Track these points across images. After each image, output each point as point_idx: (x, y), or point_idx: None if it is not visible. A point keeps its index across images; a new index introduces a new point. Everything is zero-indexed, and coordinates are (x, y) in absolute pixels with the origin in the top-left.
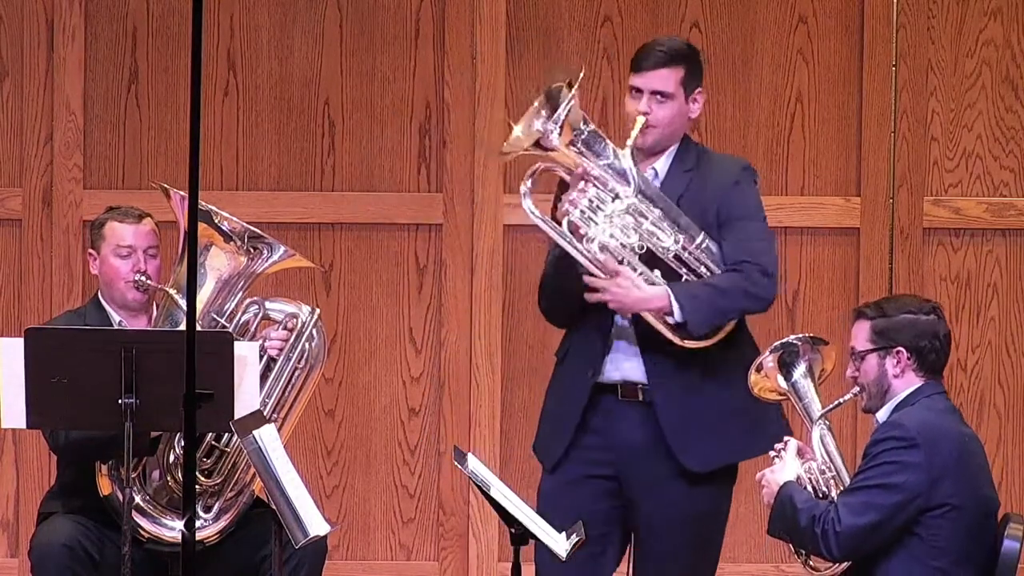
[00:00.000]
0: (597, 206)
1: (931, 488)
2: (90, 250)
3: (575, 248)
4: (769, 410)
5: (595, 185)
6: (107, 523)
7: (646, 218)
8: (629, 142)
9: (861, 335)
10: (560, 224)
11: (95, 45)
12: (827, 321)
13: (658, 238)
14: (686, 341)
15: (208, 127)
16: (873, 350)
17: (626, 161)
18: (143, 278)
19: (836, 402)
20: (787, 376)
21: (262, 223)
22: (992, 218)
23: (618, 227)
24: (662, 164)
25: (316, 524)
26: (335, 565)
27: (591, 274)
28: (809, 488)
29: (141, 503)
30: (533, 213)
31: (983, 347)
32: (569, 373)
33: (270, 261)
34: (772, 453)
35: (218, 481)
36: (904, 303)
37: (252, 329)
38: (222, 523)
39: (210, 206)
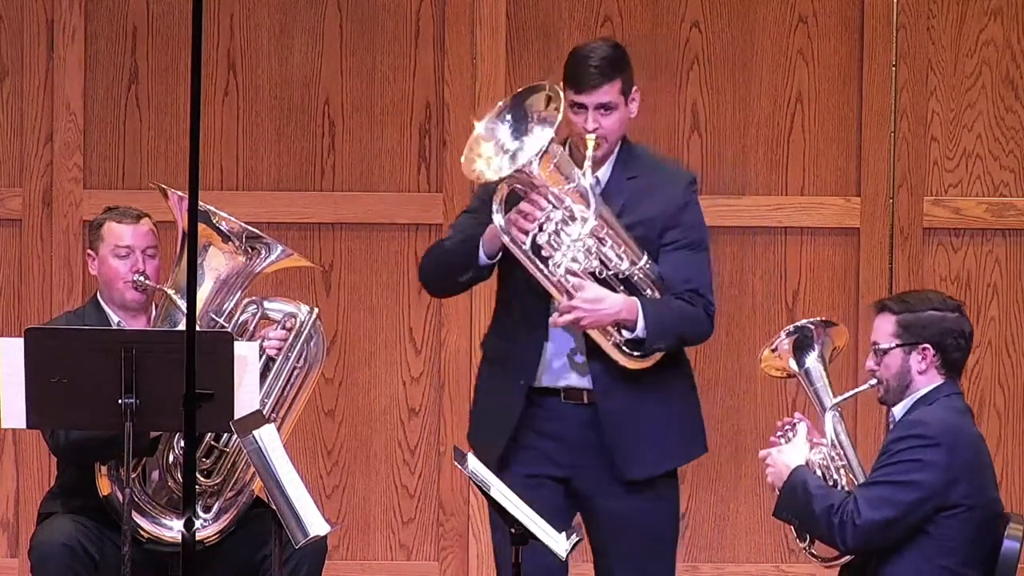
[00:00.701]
0: (560, 229)
1: (948, 488)
2: (89, 250)
3: (539, 269)
4: (699, 421)
5: (559, 207)
6: (107, 523)
7: (605, 242)
8: (587, 163)
9: (885, 329)
10: (523, 240)
11: (95, 45)
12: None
13: (615, 262)
14: (628, 361)
15: (208, 127)
16: (898, 345)
17: (587, 181)
18: (142, 278)
19: (851, 392)
20: (800, 360)
21: (262, 223)
22: (992, 218)
23: (581, 251)
24: (604, 172)
25: (316, 524)
26: (335, 565)
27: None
28: (818, 472)
29: (141, 503)
30: (505, 232)
31: (983, 347)
32: (499, 377)
33: (268, 261)
34: (778, 433)
35: (217, 481)
36: (929, 299)
37: (251, 329)
38: (222, 523)
39: (208, 206)
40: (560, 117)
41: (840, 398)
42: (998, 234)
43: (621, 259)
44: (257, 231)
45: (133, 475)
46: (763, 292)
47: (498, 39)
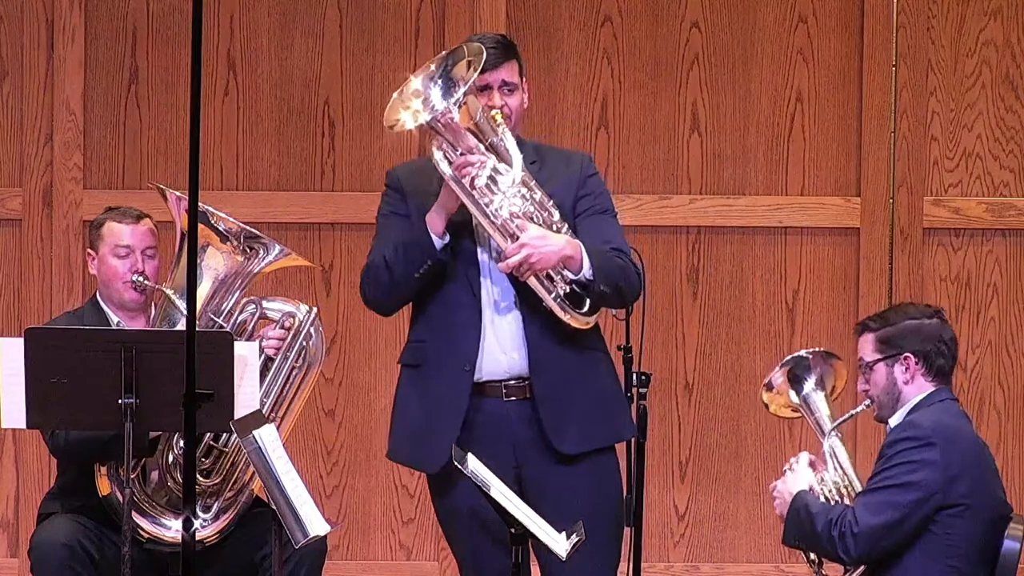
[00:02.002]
0: (495, 177)
1: (948, 486)
2: (88, 250)
3: (484, 213)
4: (624, 403)
5: (490, 159)
6: (107, 523)
7: (535, 194)
8: (502, 128)
9: (867, 346)
10: (469, 180)
11: (95, 45)
12: (827, 321)
13: (548, 212)
14: (572, 318)
15: (208, 127)
16: (881, 359)
17: (510, 142)
18: (141, 278)
19: (848, 414)
20: (798, 391)
21: (262, 223)
22: (992, 218)
23: (517, 196)
24: None
25: (316, 524)
26: (335, 565)
27: (461, 256)
28: (822, 499)
29: (140, 503)
30: (451, 177)
31: (983, 347)
32: (435, 374)
33: (267, 260)
34: (785, 467)
35: (217, 481)
36: (906, 310)
37: (250, 329)
38: (221, 523)
39: (206, 206)
40: (477, 73)
41: (836, 422)
42: (998, 234)
43: (552, 213)
44: (255, 231)
45: (133, 475)
46: (763, 292)
47: None
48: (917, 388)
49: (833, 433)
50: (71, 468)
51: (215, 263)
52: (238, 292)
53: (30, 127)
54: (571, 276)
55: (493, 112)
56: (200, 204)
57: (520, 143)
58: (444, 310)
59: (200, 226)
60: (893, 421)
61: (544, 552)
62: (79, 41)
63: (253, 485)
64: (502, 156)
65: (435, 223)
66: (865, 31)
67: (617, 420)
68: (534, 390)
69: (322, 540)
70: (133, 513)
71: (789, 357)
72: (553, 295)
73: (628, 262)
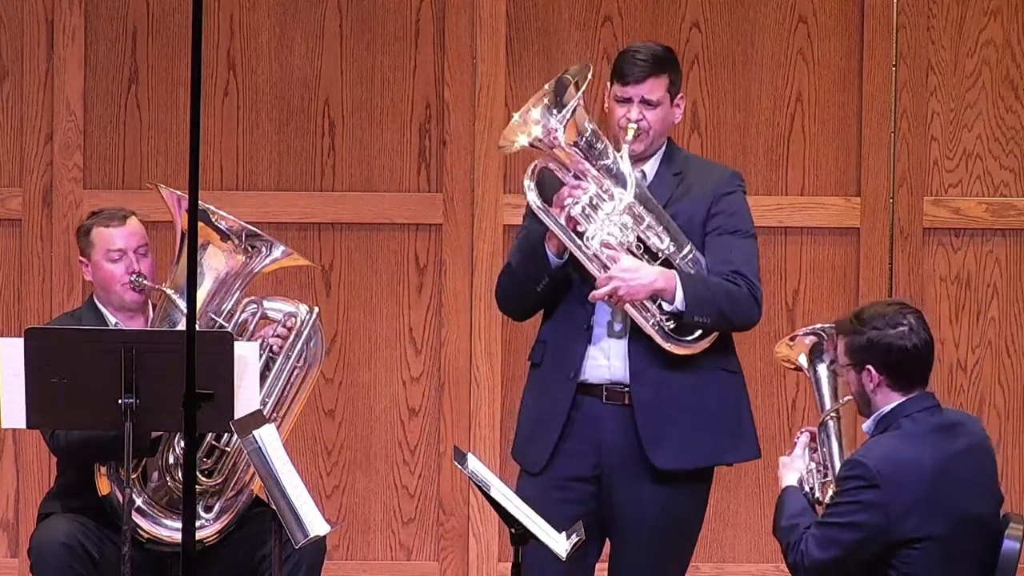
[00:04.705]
0: (597, 204)
1: (894, 525)
2: (80, 258)
3: (574, 243)
4: (746, 424)
5: (594, 183)
6: (107, 523)
7: (643, 220)
8: (625, 147)
9: (840, 350)
10: (558, 212)
11: (95, 45)
12: (827, 321)
13: (654, 240)
14: (672, 345)
15: (208, 127)
16: (850, 365)
17: (624, 164)
18: (140, 278)
19: (838, 403)
20: (813, 365)
21: (262, 223)
22: (992, 218)
23: (616, 225)
24: (650, 167)
25: (316, 524)
26: (335, 565)
27: (580, 272)
28: (807, 488)
29: (140, 503)
30: (539, 207)
31: (983, 347)
32: (549, 375)
33: (268, 260)
34: (795, 437)
35: (219, 481)
36: (873, 316)
37: (251, 328)
38: (222, 523)
39: (207, 205)
40: (582, 89)
41: (828, 410)
42: (998, 234)
43: (661, 239)
44: (256, 230)
45: (133, 475)
46: (763, 292)
47: (498, 39)
48: (884, 398)
49: (828, 417)
50: (71, 468)
51: (216, 262)
52: (238, 292)
53: (30, 127)
54: (667, 307)
55: (628, 126)
56: (201, 203)
57: (672, 154)
58: (563, 316)
59: (200, 225)
60: (866, 425)
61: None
62: (79, 41)
63: (253, 485)
64: (616, 178)
65: (551, 241)
66: (865, 31)
67: (723, 442)
68: (633, 397)
69: (322, 540)
70: (132, 513)
71: (818, 327)
72: (651, 323)
73: (746, 286)
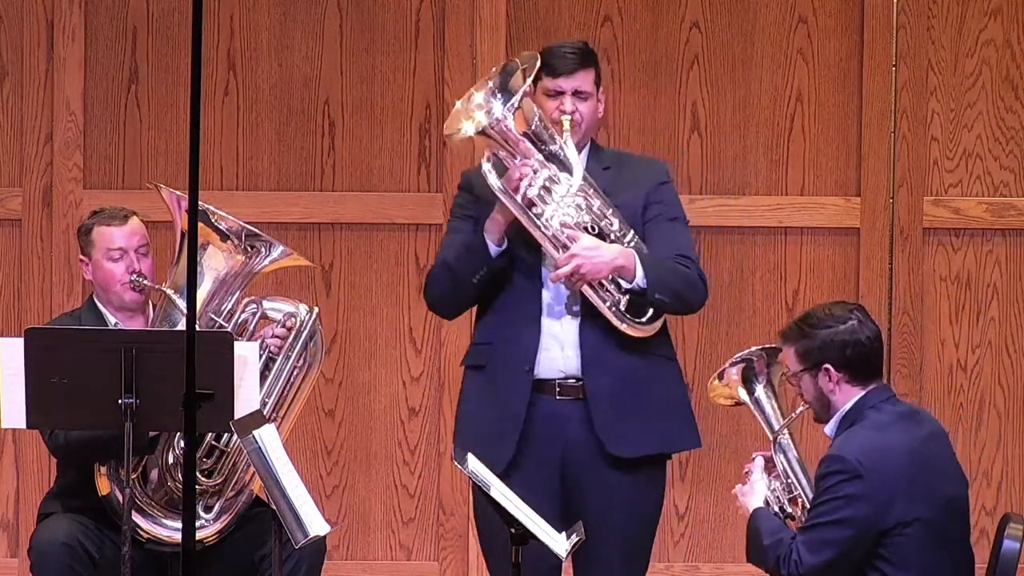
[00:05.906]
0: (549, 187)
1: (882, 514)
2: (81, 257)
3: (535, 224)
4: (691, 412)
5: (544, 168)
6: (107, 523)
7: (593, 203)
8: (567, 135)
9: (789, 359)
10: (518, 192)
11: (95, 45)
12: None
13: (604, 223)
14: (626, 324)
15: (208, 127)
16: (803, 370)
17: (570, 151)
18: (140, 278)
19: (789, 417)
20: (750, 390)
21: (262, 223)
22: (992, 218)
23: (571, 207)
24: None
25: (316, 524)
26: (335, 565)
27: (522, 262)
28: (775, 508)
29: (140, 503)
30: (500, 188)
31: (983, 347)
32: (499, 374)
33: (268, 260)
34: (744, 470)
35: (219, 481)
36: (820, 317)
37: (250, 328)
38: (222, 523)
39: (207, 205)
40: (531, 78)
41: (780, 426)
42: (998, 234)
43: (611, 221)
44: (256, 230)
45: (133, 475)
46: (763, 292)
47: (498, 39)
48: (844, 396)
49: (780, 434)
50: (71, 468)
51: (215, 262)
52: (238, 292)
53: (30, 127)
54: (625, 285)
55: (563, 118)
56: (201, 203)
57: (597, 149)
58: (506, 314)
59: (200, 225)
60: (828, 428)
61: (581, 561)
62: (79, 41)
63: (253, 485)
64: (562, 164)
65: (492, 230)
66: (865, 31)
67: (676, 429)
68: (587, 391)
69: (322, 540)
70: (132, 513)
71: (740, 356)
72: (608, 304)
73: (694, 269)
